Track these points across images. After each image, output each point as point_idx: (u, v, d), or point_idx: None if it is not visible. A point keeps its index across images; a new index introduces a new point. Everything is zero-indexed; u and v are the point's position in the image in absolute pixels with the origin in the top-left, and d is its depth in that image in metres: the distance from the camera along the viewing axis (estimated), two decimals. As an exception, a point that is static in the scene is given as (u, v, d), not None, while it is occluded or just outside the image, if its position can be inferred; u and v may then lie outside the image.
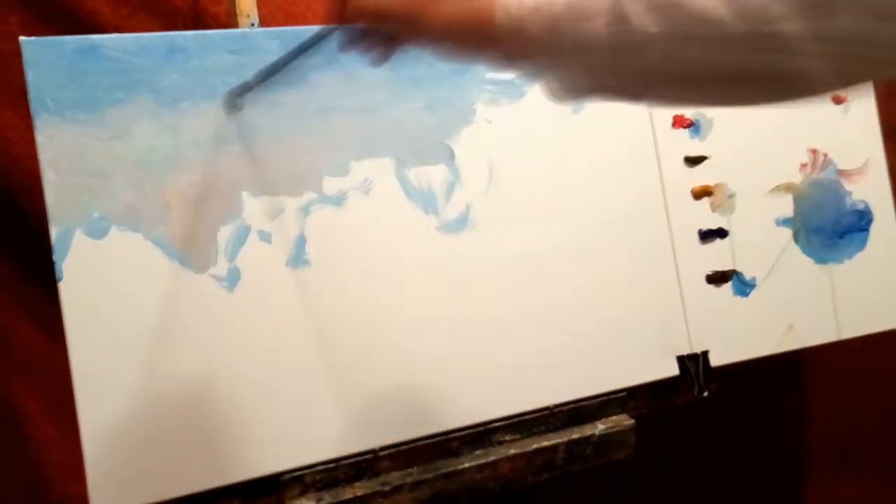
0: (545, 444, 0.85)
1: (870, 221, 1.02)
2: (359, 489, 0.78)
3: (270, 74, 0.72)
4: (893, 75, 0.43)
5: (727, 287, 0.95)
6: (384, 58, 0.59)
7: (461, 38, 0.52)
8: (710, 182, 0.96)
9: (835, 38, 0.40)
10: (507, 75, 0.87)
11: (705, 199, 0.96)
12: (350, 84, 0.81)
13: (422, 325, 0.82)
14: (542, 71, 0.51)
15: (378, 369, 0.80)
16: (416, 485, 0.80)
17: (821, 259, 0.99)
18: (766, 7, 0.40)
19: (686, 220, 0.94)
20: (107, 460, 0.70)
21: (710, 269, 0.95)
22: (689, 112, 0.95)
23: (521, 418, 0.86)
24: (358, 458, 0.79)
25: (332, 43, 0.60)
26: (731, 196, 0.96)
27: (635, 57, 0.45)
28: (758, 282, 0.96)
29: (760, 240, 0.97)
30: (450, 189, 0.85)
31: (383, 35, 0.57)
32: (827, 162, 1.01)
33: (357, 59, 0.59)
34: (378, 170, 0.82)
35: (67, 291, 0.70)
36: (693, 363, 0.93)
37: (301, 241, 0.78)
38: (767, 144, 0.98)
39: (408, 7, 0.53)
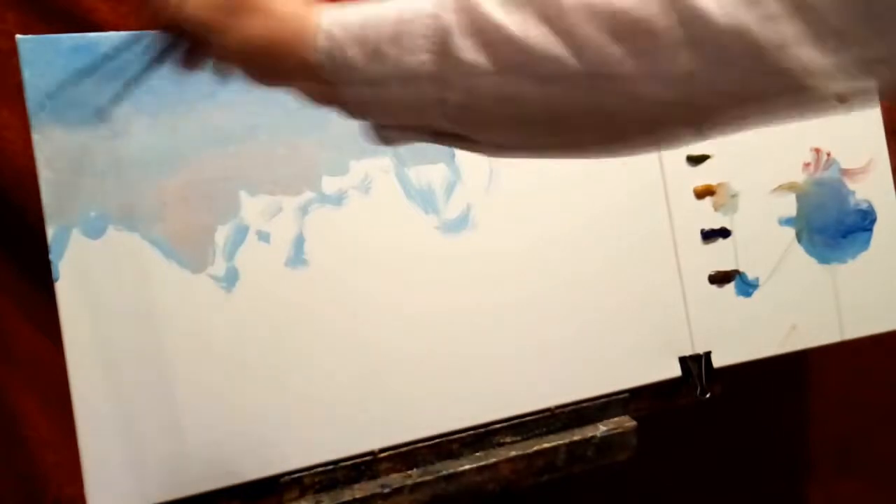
0: (546, 445, 0.85)
1: (873, 221, 1.01)
2: (358, 491, 0.77)
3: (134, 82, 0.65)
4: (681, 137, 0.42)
5: (730, 287, 0.95)
6: (188, 68, 0.52)
7: (267, 62, 0.45)
8: (713, 181, 0.95)
9: (675, 79, 0.38)
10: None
11: (708, 199, 0.95)
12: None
13: (422, 326, 0.82)
14: (363, 106, 0.45)
15: (377, 370, 0.80)
16: (416, 487, 0.79)
17: (824, 259, 0.99)
18: (603, 47, 0.38)
19: (688, 219, 0.94)
20: (104, 461, 0.70)
21: (712, 269, 0.94)
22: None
23: (522, 420, 0.85)
24: (357, 460, 0.78)
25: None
26: (734, 195, 0.96)
27: (463, 93, 0.41)
28: (760, 282, 0.96)
29: (763, 239, 0.97)
30: (450, 188, 0.84)
31: (193, 43, 0.50)
32: (830, 161, 1.00)
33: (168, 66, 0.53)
34: (378, 169, 0.82)
35: (64, 291, 0.70)
36: (695, 364, 0.93)
37: (300, 241, 0.78)
38: (770, 144, 0.97)
39: (208, 18, 0.46)
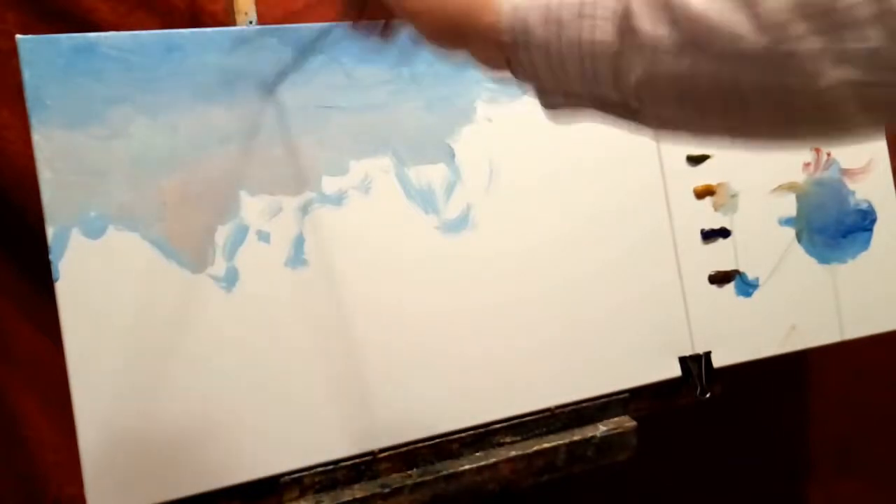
0: (546, 445, 0.85)
1: (873, 221, 1.01)
2: (358, 491, 0.77)
3: (301, 61, 0.74)
4: None
5: (730, 287, 0.95)
6: (382, 45, 0.58)
7: (453, 26, 0.49)
8: (713, 181, 0.95)
9: (860, 60, 0.37)
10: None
11: (708, 199, 0.95)
12: (350, 83, 0.81)
13: (422, 326, 0.82)
14: (535, 71, 0.47)
15: (377, 370, 0.80)
16: (416, 487, 0.79)
17: (824, 259, 0.99)
18: (786, 24, 0.37)
19: (688, 219, 0.94)
20: (104, 461, 0.70)
21: (712, 269, 0.94)
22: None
23: (522, 420, 0.85)
24: (357, 460, 0.78)
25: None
26: (734, 195, 0.96)
27: (640, 66, 0.42)
28: (760, 282, 0.96)
29: (763, 239, 0.97)
30: (450, 188, 0.84)
31: (384, 21, 0.56)
32: (830, 161, 1.00)
33: (360, 47, 0.59)
34: (378, 169, 0.81)
35: (64, 291, 0.70)
36: (695, 364, 0.93)
37: (300, 241, 0.78)
38: (770, 143, 0.97)
39: None
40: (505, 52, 0.47)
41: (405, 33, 0.56)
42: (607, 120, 0.47)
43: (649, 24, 0.41)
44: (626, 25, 0.42)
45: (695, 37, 0.40)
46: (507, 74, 0.49)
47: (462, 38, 0.49)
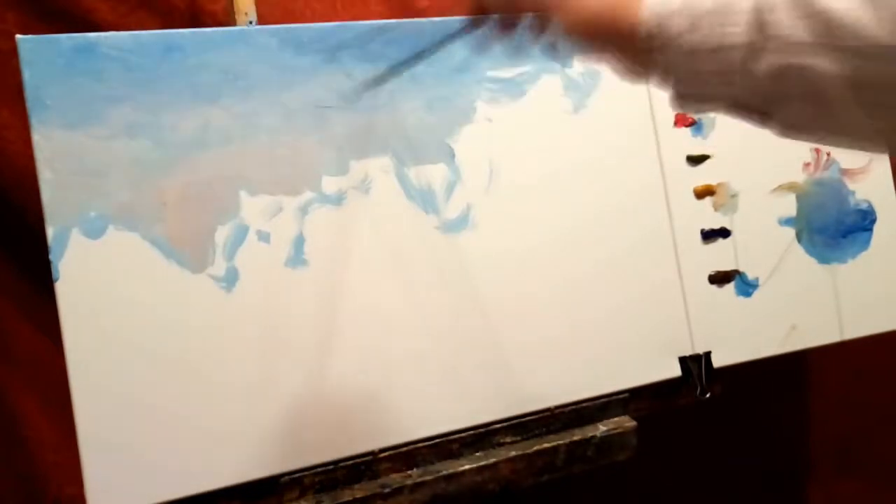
0: (546, 445, 0.85)
1: (873, 221, 1.01)
2: (358, 491, 0.77)
3: (411, 63, 0.75)
4: None
5: (730, 287, 0.95)
6: (521, 47, 0.60)
7: (598, 29, 0.52)
8: (713, 181, 0.95)
9: None
10: (507, 73, 0.87)
11: (707, 199, 0.95)
12: (350, 83, 0.81)
13: (421, 326, 0.81)
14: (672, 73, 0.49)
15: (377, 370, 0.80)
16: (416, 487, 0.79)
17: (824, 259, 0.99)
18: None
19: (688, 219, 0.94)
20: (104, 461, 0.70)
21: (712, 269, 0.94)
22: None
23: (522, 420, 0.85)
24: (357, 460, 0.78)
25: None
26: (734, 195, 0.96)
27: (772, 65, 0.44)
28: (760, 282, 0.96)
29: (763, 239, 0.97)
30: (450, 188, 0.84)
31: (521, 23, 0.59)
32: (830, 161, 1.00)
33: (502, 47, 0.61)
34: (378, 169, 0.81)
35: (64, 291, 0.70)
36: (695, 364, 0.92)
37: (300, 241, 0.78)
38: (770, 143, 0.95)
39: None
40: (643, 55, 0.49)
41: (552, 29, 0.58)
42: (738, 118, 0.50)
43: (783, 16, 0.42)
44: (760, 19, 0.43)
45: (828, 34, 0.41)
46: (643, 77, 0.52)
47: (602, 38, 0.52)
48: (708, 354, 0.93)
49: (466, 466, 0.81)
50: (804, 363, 1.32)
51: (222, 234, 0.75)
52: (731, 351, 0.94)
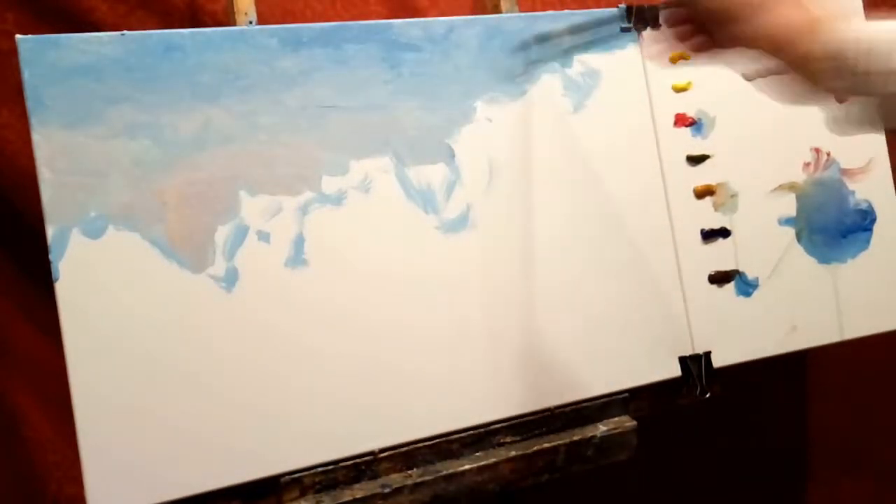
0: (546, 445, 0.85)
1: (873, 221, 1.01)
2: (358, 491, 0.77)
3: (560, 53, 0.78)
4: None
5: (730, 287, 0.95)
6: (701, 49, 0.63)
7: (779, 47, 0.56)
8: (713, 181, 0.95)
9: None
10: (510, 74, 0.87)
11: (707, 199, 0.95)
12: (350, 83, 0.81)
13: (421, 326, 0.81)
14: (843, 92, 0.55)
15: (377, 370, 0.80)
16: (416, 487, 0.79)
17: (824, 259, 0.99)
18: None
19: (688, 219, 0.94)
20: (104, 461, 0.70)
21: (712, 269, 0.94)
22: (691, 110, 0.95)
23: (522, 420, 0.85)
24: (357, 460, 0.78)
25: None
26: (734, 195, 0.96)
27: None
28: (760, 282, 0.96)
29: (763, 239, 0.96)
30: (450, 188, 0.84)
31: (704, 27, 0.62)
32: (830, 161, 1.00)
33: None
34: (378, 169, 0.81)
35: (64, 291, 0.70)
36: (695, 364, 0.92)
37: (300, 241, 0.78)
38: (770, 143, 0.97)
39: (738, 7, 0.58)
40: (817, 75, 0.54)
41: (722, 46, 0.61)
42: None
43: None
44: None
45: None
46: (819, 94, 0.56)
47: (780, 52, 0.56)
48: (708, 354, 0.93)
49: (466, 466, 0.81)
50: (804, 363, 1.32)
51: (222, 234, 0.75)
52: (730, 351, 0.94)
